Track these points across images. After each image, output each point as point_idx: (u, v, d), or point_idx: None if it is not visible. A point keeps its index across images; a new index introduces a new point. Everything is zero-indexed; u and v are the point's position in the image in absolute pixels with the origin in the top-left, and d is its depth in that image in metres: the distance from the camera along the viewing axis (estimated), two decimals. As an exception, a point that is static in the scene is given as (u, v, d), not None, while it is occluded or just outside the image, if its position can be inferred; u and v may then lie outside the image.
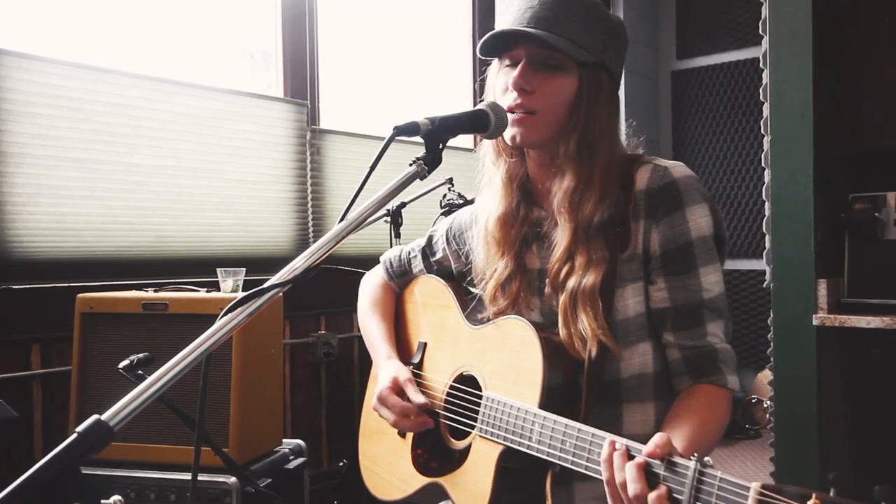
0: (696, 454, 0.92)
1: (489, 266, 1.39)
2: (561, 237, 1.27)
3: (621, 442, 1.02)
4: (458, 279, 1.57)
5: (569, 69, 1.25)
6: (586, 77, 1.25)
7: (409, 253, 1.65)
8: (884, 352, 2.36)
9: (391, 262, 1.68)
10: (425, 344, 1.51)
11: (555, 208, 1.28)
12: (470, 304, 1.48)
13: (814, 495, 0.75)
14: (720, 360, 1.22)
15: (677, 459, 0.93)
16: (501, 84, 1.29)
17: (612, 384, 1.25)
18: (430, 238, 1.62)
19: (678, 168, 1.27)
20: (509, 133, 1.27)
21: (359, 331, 3.29)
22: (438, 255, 1.59)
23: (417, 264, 1.63)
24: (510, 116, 1.25)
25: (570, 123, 1.26)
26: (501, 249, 1.36)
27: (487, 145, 1.37)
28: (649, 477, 0.95)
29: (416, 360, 1.50)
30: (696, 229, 1.23)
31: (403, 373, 1.41)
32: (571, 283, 1.23)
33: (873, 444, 2.46)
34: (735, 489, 0.85)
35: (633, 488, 0.95)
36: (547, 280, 1.32)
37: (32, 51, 2.39)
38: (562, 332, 1.24)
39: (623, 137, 1.34)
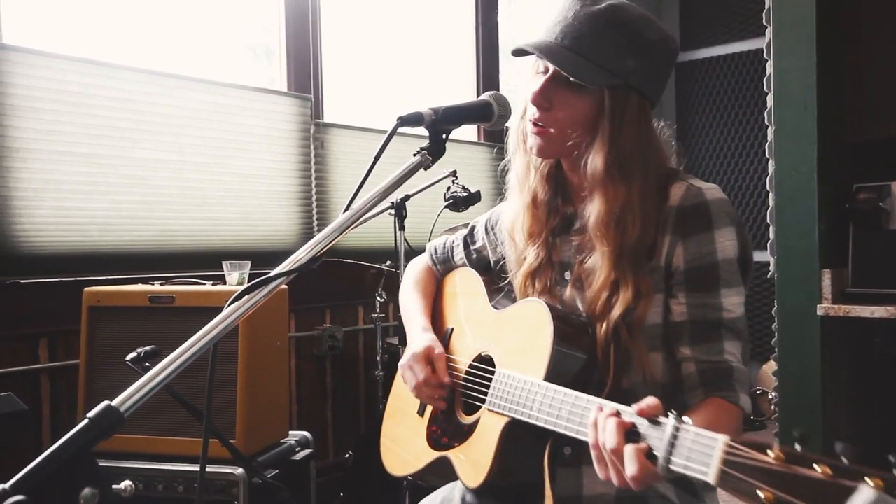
0: (673, 411, 0.93)
1: (519, 255, 1.40)
2: (601, 264, 1.26)
3: (610, 405, 1.03)
4: (495, 270, 1.60)
5: (591, 89, 1.24)
6: (609, 98, 1.24)
7: (453, 242, 1.69)
8: (888, 341, 2.37)
9: (436, 249, 1.72)
10: (452, 330, 1.55)
11: (590, 231, 1.28)
12: (498, 291, 1.51)
13: (776, 446, 0.79)
14: (735, 378, 1.22)
15: (659, 418, 0.96)
16: (529, 92, 1.28)
17: (621, 389, 1.26)
18: (473, 228, 1.65)
19: (712, 190, 1.26)
20: (529, 142, 1.30)
21: (364, 323, 3.33)
22: (478, 244, 1.62)
23: (459, 252, 1.66)
24: (531, 127, 1.27)
25: (595, 143, 1.25)
26: (529, 238, 1.37)
27: (513, 135, 1.37)
28: (630, 434, 0.98)
29: (443, 344, 1.54)
30: (723, 251, 1.23)
31: (438, 347, 1.45)
32: (617, 313, 1.23)
33: (878, 433, 2.46)
34: (705, 441, 0.87)
35: (610, 442, 0.97)
36: (568, 277, 1.33)
37: (36, 46, 2.39)
38: (599, 351, 1.24)
39: (663, 150, 1.34)
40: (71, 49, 2.51)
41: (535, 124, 1.27)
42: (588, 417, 1.06)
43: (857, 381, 2.49)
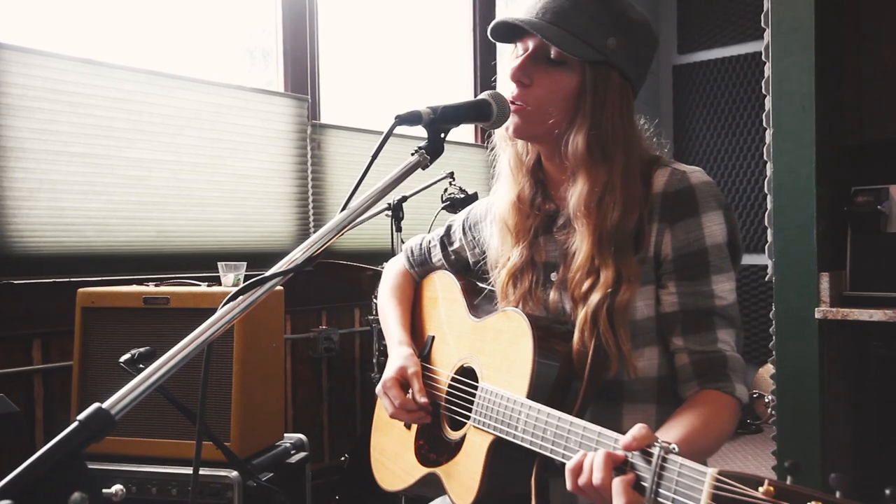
0: (664, 443, 0.90)
1: (502, 254, 1.37)
2: (580, 244, 1.24)
3: (595, 430, 1.01)
4: (474, 270, 1.58)
5: (572, 65, 1.22)
6: (590, 75, 1.22)
7: (430, 242, 1.65)
8: (886, 345, 2.36)
9: (412, 251, 1.68)
10: (433, 337, 1.52)
11: (571, 212, 1.26)
12: (476, 298, 1.48)
13: (766, 481, 0.76)
14: (729, 368, 1.20)
15: (649, 447, 0.92)
16: (507, 72, 1.28)
17: (613, 384, 1.24)
18: (449, 228, 1.62)
19: (696, 174, 1.24)
20: (507, 123, 1.27)
21: (360, 325, 3.31)
22: (456, 245, 1.59)
23: (436, 254, 1.62)
24: (511, 106, 1.25)
25: (577, 122, 1.23)
26: (515, 237, 1.34)
27: (499, 131, 1.35)
28: (619, 466, 0.95)
29: (423, 353, 1.51)
30: (711, 236, 1.21)
31: (412, 364, 1.41)
32: (596, 298, 1.20)
33: (875, 437, 2.45)
34: (693, 474, 0.85)
35: (597, 477, 0.94)
36: (555, 278, 1.31)
37: (32, 45, 2.38)
38: (575, 342, 1.21)
39: (645, 139, 1.32)
40: (67, 48, 2.50)
41: (512, 102, 1.24)
42: (575, 440, 1.04)
43: (855, 384, 2.48)
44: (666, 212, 1.22)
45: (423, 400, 1.36)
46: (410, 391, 1.38)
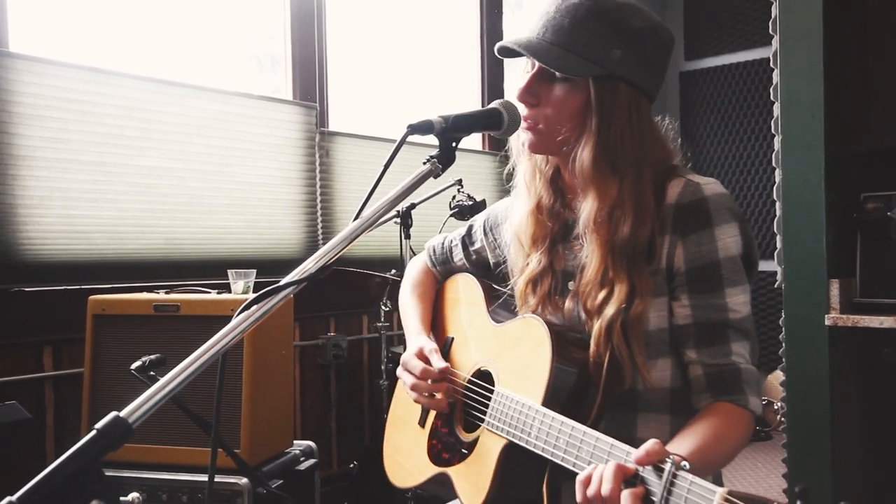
0: (676, 457, 0.91)
1: (518, 262, 1.39)
2: (591, 258, 1.24)
3: (608, 441, 1.02)
4: (494, 270, 1.59)
5: (577, 81, 1.22)
6: (596, 89, 1.21)
7: (451, 241, 1.66)
8: (897, 351, 2.35)
9: (434, 249, 1.69)
10: (452, 339, 1.54)
11: (581, 227, 1.26)
12: (496, 302, 1.49)
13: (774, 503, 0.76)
14: (743, 380, 1.19)
15: (660, 464, 0.93)
16: (515, 89, 1.29)
17: (628, 393, 1.24)
18: (471, 228, 1.63)
19: (711, 185, 1.23)
20: (521, 138, 1.28)
21: (369, 332, 3.32)
22: (477, 245, 1.60)
23: (458, 253, 1.63)
24: (522, 123, 1.26)
25: (583, 137, 1.23)
26: (532, 245, 1.36)
27: (516, 143, 1.36)
28: (629, 478, 0.95)
29: (442, 353, 1.52)
30: (724, 249, 1.20)
31: (429, 343, 1.43)
32: (610, 311, 1.20)
33: (886, 445, 2.44)
34: (702, 492, 0.86)
35: (606, 488, 0.94)
36: (571, 287, 1.31)
37: (43, 54, 2.40)
38: (591, 353, 1.22)
39: (665, 145, 1.32)
40: (77, 57, 2.52)
41: (525, 120, 1.25)
42: (586, 451, 1.05)
43: (866, 391, 2.47)
44: (678, 224, 1.22)
45: (442, 365, 1.36)
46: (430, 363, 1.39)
